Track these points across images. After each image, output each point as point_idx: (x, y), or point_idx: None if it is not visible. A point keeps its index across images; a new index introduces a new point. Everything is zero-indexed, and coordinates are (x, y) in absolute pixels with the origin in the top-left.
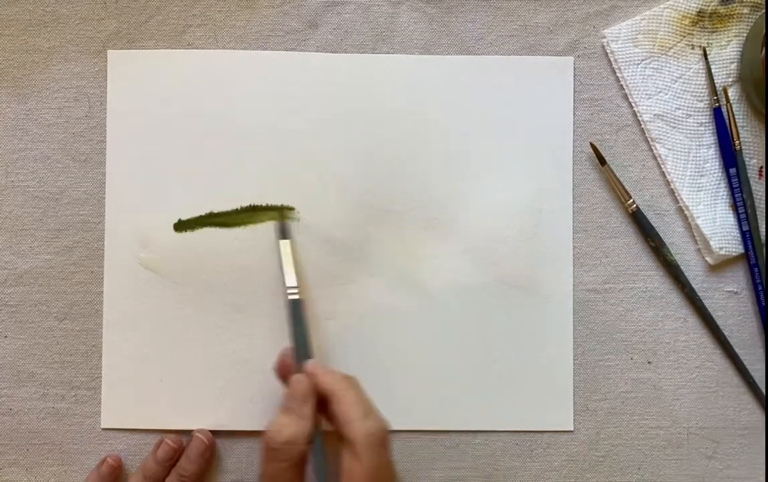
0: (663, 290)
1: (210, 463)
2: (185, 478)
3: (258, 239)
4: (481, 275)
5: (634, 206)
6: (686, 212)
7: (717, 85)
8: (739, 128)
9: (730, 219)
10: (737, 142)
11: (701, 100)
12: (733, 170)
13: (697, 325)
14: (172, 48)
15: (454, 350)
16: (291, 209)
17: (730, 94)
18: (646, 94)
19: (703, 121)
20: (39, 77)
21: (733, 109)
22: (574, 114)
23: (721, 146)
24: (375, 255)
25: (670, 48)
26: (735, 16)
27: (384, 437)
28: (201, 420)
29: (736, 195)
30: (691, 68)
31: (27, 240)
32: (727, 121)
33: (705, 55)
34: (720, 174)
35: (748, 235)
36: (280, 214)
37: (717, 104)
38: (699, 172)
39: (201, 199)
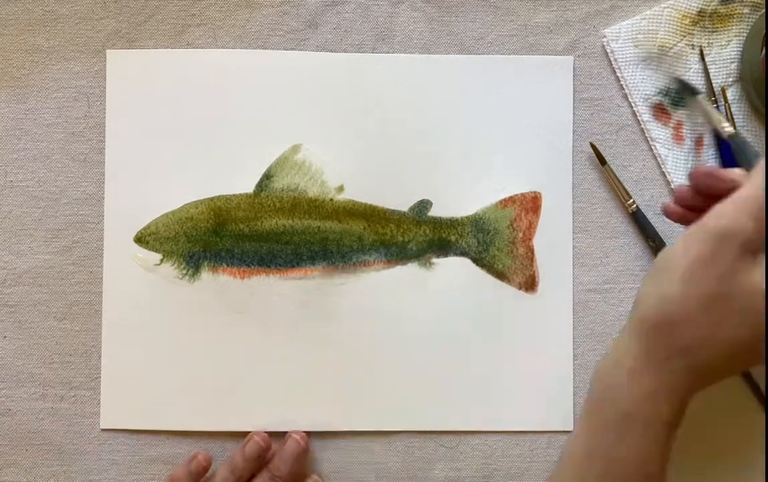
0: None
1: (303, 465)
2: (277, 478)
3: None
4: (481, 275)
5: (634, 206)
6: None
7: (717, 85)
8: (739, 129)
9: None
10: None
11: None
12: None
13: None
14: (171, 48)
15: (455, 350)
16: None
17: (730, 94)
18: (646, 94)
19: (703, 121)
20: (38, 77)
21: (732, 109)
22: (574, 114)
23: (719, 146)
24: (375, 254)
25: (671, 48)
26: (735, 16)
27: None
28: (200, 420)
29: None
30: (691, 68)
31: (26, 240)
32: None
33: (702, 56)
34: None
35: None
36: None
37: (715, 105)
38: None
39: (200, 198)
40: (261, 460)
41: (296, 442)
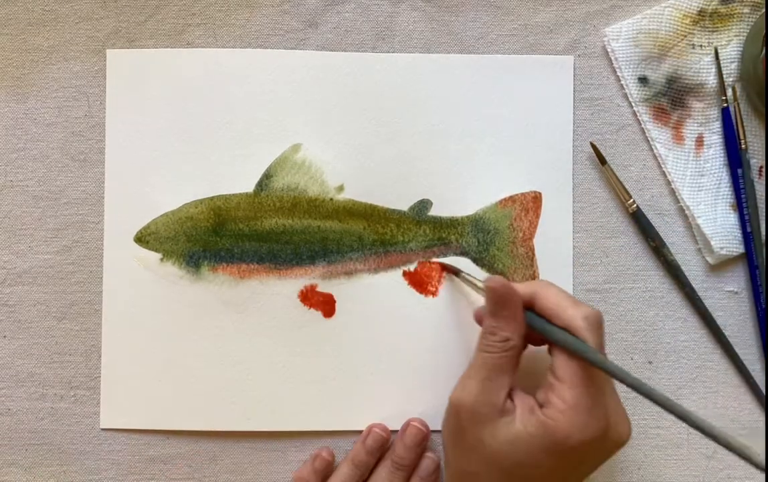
0: (663, 290)
1: (424, 453)
2: (401, 467)
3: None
4: (482, 274)
5: (635, 206)
6: (687, 212)
7: (716, 85)
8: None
9: (731, 219)
10: (743, 140)
11: (701, 100)
12: (740, 171)
13: (697, 325)
14: (171, 47)
15: (455, 350)
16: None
17: (729, 94)
18: (646, 94)
19: (704, 121)
20: (38, 77)
21: (741, 108)
22: (574, 114)
23: (727, 145)
24: (374, 254)
25: (671, 47)
26: (735, 16)
27: (600, 318)
28: (200, 420)
29: (742, 196)
30: (691, 68)
31: (26, 240)
32: (734, 120)
33: (716, 55)
34: (720, 174)
35: (750, 236)
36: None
37: (725, 104)
38: (699, 172)
39: (200, 198)
40: (382, 451)
41: (418, 430)
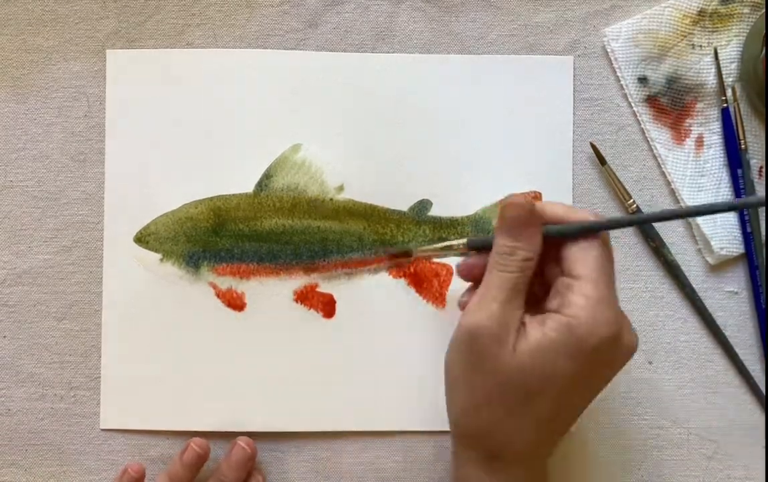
0: (663, 290)
1: (250, 473)
2: None
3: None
4: None
5: (634, 206)
6: None
7: (716, 85)
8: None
9: (731, 219)
10: (743, 141)
11: (701, 100)
12: (740, 171)
13: (697, 325)
14: (171, 47)
15: None
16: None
17: (730, 94)
18: (647, 94)
19: (704, 121)
20: (38, 77)
21: (741, 108)
22: (574, 114)
23: (727, 145)
24: (374, 253)
25: (671, 47)
26: (735, 16)
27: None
28: (200, 420)
29: (742, 196)
30: (691, 68)
31: (26, 240)
32: (734, 121)
33: (716, 55)
34: (720, 174)
35: (750, 236)
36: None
37: (725, 104)
38: (699, 172)
39: (200, 198)
40: (200, 466)
41: (243, 450)
